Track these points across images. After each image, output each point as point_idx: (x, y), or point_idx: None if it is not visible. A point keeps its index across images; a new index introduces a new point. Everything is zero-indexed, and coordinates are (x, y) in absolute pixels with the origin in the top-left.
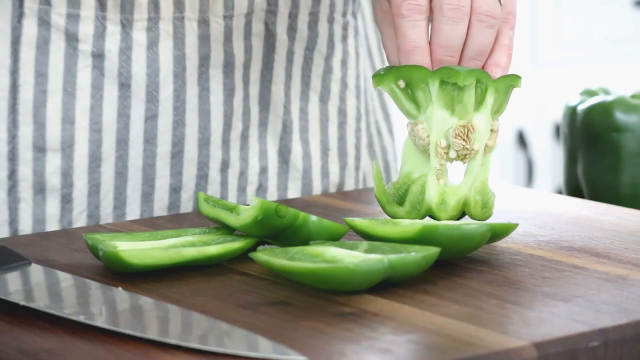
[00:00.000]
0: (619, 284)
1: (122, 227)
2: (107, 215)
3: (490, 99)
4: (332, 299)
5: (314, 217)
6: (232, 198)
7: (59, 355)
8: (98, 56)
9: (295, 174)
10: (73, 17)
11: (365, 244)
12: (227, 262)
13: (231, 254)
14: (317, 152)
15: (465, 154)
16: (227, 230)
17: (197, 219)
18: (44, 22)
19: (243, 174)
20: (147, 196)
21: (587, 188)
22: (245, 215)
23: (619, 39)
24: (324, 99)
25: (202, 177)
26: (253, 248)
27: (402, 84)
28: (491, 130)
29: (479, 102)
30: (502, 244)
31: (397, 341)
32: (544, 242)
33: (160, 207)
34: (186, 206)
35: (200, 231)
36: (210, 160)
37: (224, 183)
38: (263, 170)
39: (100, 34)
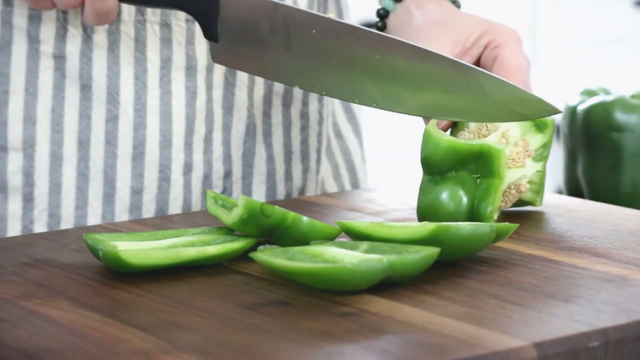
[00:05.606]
0: (619, 284)
1: (122, 227)
2: (68, 215)
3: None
4: (332, 299)
5: (305, 218)
6: (195, 201)
7: (59, 355)
8: (59, 58)
9: (260, 178)
10: (35, 19)
11: (365, 244)
12: (227, 262)
13: (231, 254)
14: (281, 156)
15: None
16: (227, 230)
17: (184, 221)
18: (6, 24)
19: (207, 177)
20: (109, 197)
21: (587, 188)
22: (234, 214)
23: (619, 39)
24: (286, 102)
25: (164, 180)
26: (253, 248)
27: None
28: (520, 184)
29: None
30: (502, 244)
31: (397, 341)
32: (544, 242)
33: (121, 209)
34: (148, 208)
35: (200, 231)
36: (172, 163)
37: (187, 186)
38: (227, 174)
39: (61, 36)
